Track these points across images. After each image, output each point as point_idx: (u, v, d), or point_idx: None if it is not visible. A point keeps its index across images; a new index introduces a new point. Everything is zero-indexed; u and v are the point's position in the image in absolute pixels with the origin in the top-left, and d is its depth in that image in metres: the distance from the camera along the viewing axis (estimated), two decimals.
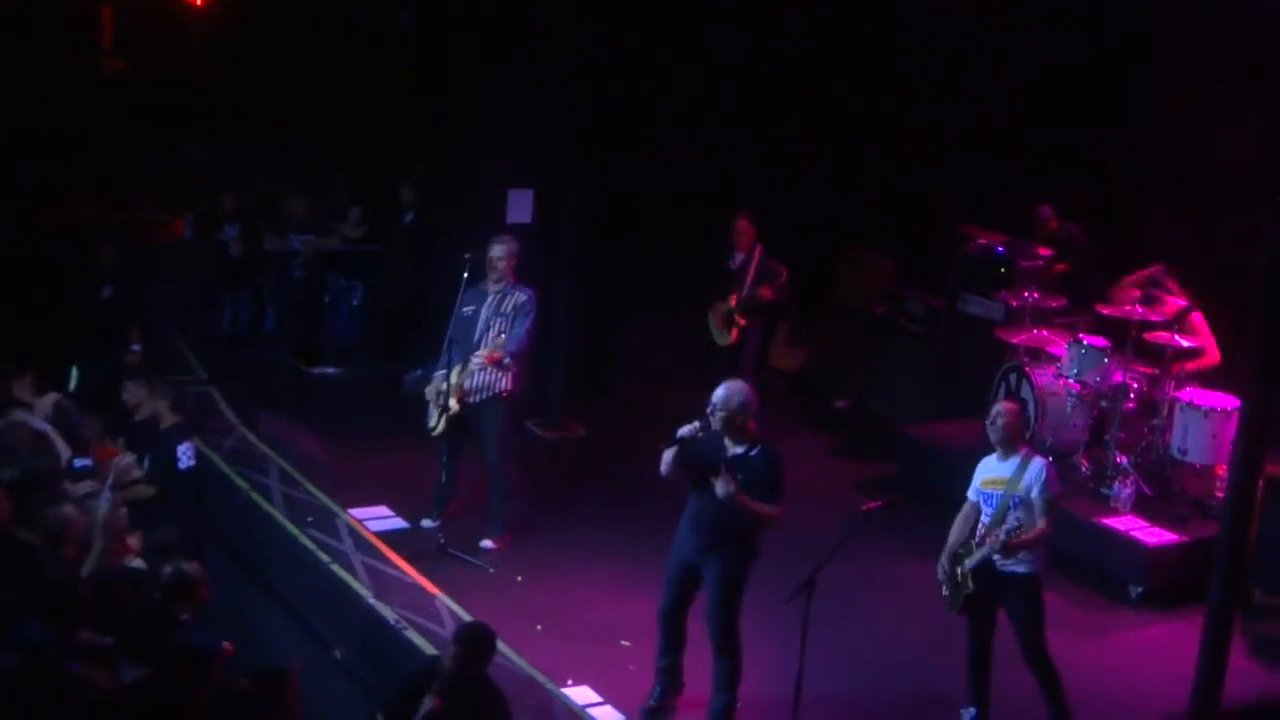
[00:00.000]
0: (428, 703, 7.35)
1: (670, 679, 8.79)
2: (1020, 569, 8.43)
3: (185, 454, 9.63)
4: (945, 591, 8.67)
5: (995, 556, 8.37)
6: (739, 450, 8.31)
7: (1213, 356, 11.62)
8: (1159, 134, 13.62)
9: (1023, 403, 11.71)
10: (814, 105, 15.57)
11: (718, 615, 8.46)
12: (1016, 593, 8.50)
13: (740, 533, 8.37)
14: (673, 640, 8.74)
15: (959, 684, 8.91)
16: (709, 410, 8.29)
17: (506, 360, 10.43)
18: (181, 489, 9.62)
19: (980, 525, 8.57)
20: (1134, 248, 13.06)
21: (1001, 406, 8.73)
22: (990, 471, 8.64)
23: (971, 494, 8.73)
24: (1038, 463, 8.52)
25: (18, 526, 8.25)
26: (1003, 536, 8.30)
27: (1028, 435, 11.62)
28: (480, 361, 10.46)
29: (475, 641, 7.55)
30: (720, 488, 8.06)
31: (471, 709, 7.43)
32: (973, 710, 8.74)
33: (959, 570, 8.54)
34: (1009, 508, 8.44)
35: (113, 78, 15.41)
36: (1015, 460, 8.53)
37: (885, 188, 14.73)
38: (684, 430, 8.27)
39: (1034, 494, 8.42)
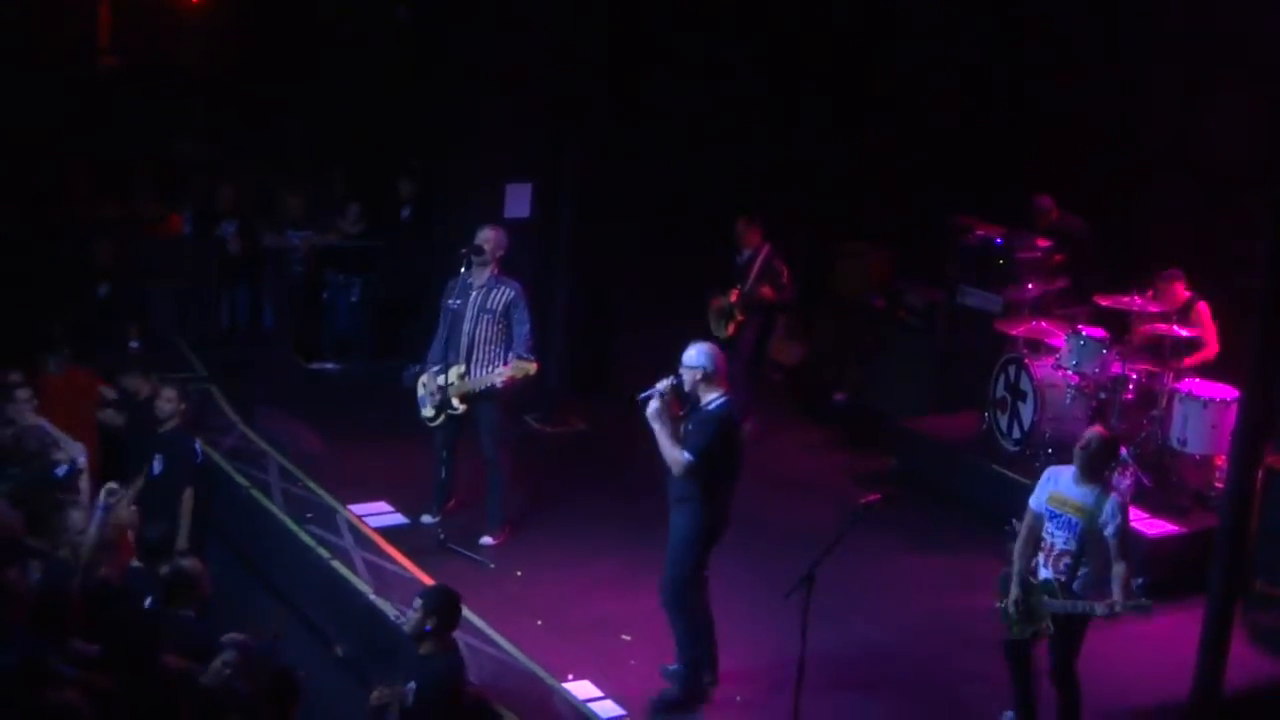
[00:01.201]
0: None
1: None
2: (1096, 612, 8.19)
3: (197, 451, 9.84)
4: (1012, 618, 8.36)
5: (1083, 607, 8.14)
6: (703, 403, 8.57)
7: (1211, 349, 11.63)
8: (1159, 126, 13.61)
9: (1022, 394, 11.73)
10: (812, 97, 15.56)
11: (668, 570, 8.73)
12: (1074, 624, 8.30)
13: (683, 492, 8.54)
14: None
15: (958, 674, 8.92)
16: (680, 369, 8.59)
17: (532, 368, 10.37)
18: (197, 485, 9.76)
19: (1042, 541, 8.30)
20: (1133, 240, 13.08)
21: (1094, 430, 8.44)
22: (1064, 489, 8.31)
23: (1037, 505, 8.41)
24: (1114, 500, 8.22)
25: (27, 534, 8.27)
26: (1119, 609, 8.00)
27: (1023, 432, 11.67)
28: (505, 374, 10.39)
29: (441, 602, 7.69)
30: (650, 405, 8.45)
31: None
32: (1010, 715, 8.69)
33: (1034, 604, 8.26)
34: (1087, 539, 8.18)
35: (110, 74, 15.38)
36: (1095, 489, 8.23)
37: (883, 180, 14.73)
38: (661, 385, 8.55)
39: (1108, 531, 8.14)
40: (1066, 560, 8.21)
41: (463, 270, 10.58)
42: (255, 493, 10.97)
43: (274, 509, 10.76)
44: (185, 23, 15.72)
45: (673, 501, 8.69)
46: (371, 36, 15.65)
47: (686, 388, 8.58)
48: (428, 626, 7.59)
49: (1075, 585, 8.22)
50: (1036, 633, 8.33)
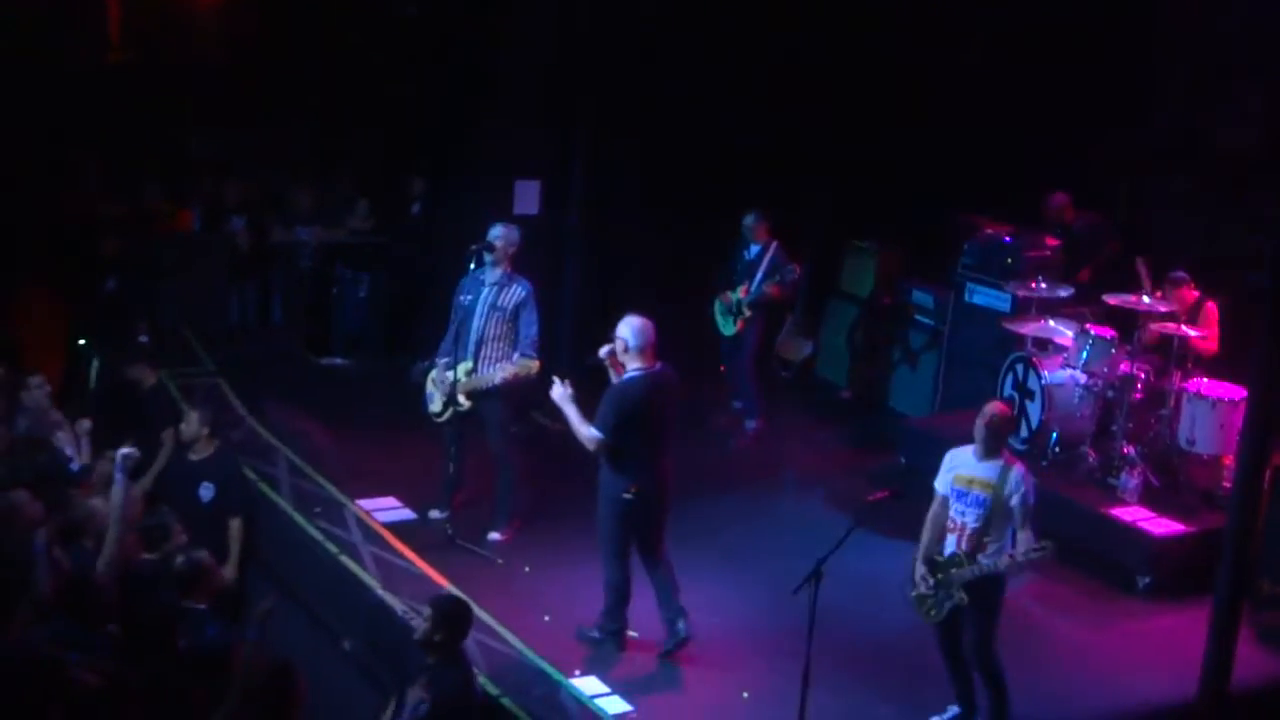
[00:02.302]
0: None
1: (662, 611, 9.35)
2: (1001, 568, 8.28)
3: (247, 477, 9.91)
4: (924, 600, 8.46)
5: (988, 565, 8.23)
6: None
7: (1211, 345, 11.61)
8: (1165, 123, 13.60)
9: (1030, 393, 11.73)
10: (820, 95, 15.54)
11: (598, 527, 9.18)
12: (985, 593, 8.34)
13: (612, 464, 8.97)
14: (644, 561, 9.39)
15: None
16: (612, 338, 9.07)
17: (535, 367, 10.38)
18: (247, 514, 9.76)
19: (951, 523, 8.41)
20: (1139, 237, 13.07)
21: (995, 407, 8.54)
22: (967, 469, 8.42)
23: (942, 487, 8.52)
24: (1018, 470, 8.32)
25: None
26: (1020, 559, 8.15)
27: (1031, 431, 11.67)
28: (509, 371, 10.41)
29: (452, 614, 7.64)
30: (554, 390, 9.03)
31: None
32: (955, 709, 8.72)
33: (942, 580, 8.35)
34: (996, 513, 8.27)
35: (120, 70, 15.40)
36: (997, 464, 8.34)
37: (892, 177, 14.72)
38: (602, 351, 9.10)
39: (1014, 502, 8.25)
40: (976, 538, 8.30)
41: (473, 266, 10.59)
42: (264, 486, 10.98)
43: (282, 503, 10.78)
44: (195, 18, 15.73)
45: (599, 466, 9.10)
46: (381, 32, 15.66)
47: (619, 356, 9.01)
48: (436, 637, 7.52)
49: (982, 559, 8.27)
50: (955, 608, 8.36)
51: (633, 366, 9.01)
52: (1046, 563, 8.41)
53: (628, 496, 8.95)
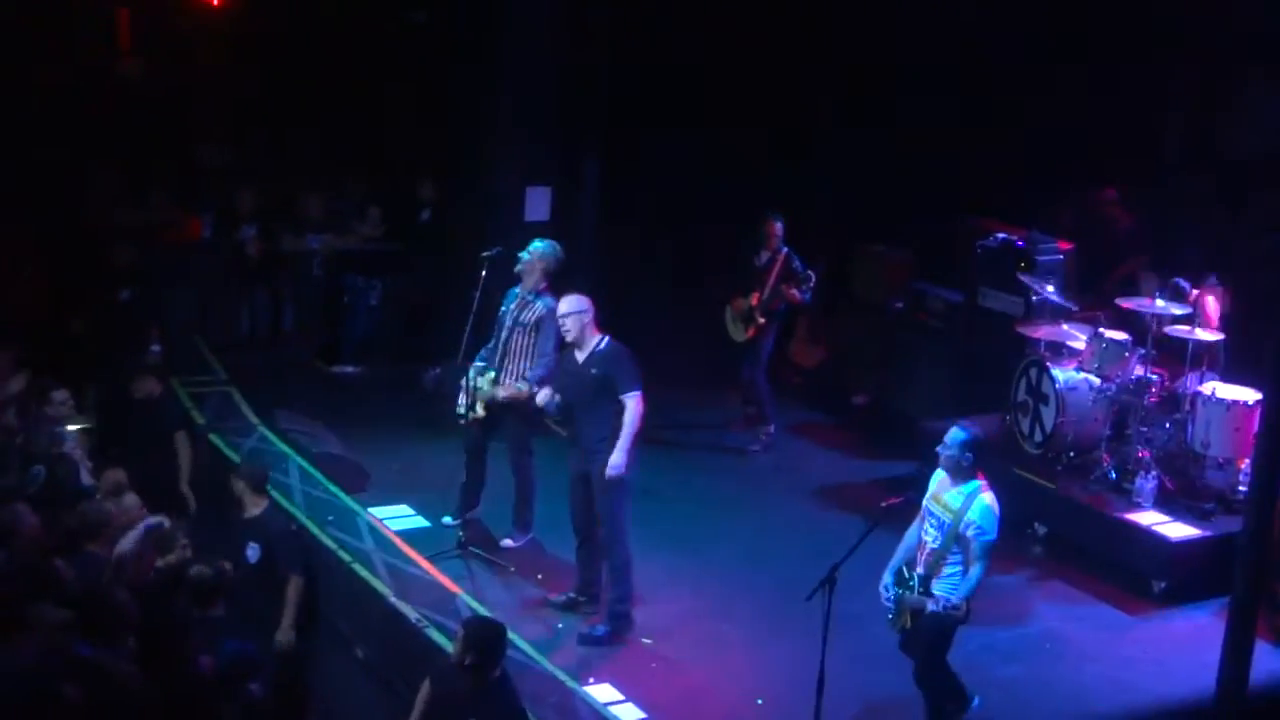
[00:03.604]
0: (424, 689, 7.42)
1: (584, 575, 9.79)
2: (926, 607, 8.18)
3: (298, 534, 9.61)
4: (891, 609, 8.45)
5: (913, 601, 8.20)
6: (589, 350, 9.44)
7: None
8: (1177, 123, 13.57)
9: (1044, 397, 11.69)
10: (829, 100, 15.54)
11: (603, 511, 9.45)
12: (928, 625, 8.26)
13: (609, 435, 9.28)
14: (585, 536, 9.77)
15: (981, 680, 8.89)
16: (560, 323, 9.53)
17: (532, 390, 10.29)
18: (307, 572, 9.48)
19: (920, 541, 8.34)
20: (1153, 236, 13.05)
21: (955, 431, 8.33)
22: (940, 488, 8.35)
23: (925, 502, 8.44)
24: (984, 502, 8.19)
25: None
26: (958, 603, 7.98)
27: (1046, 435, 11.62)
28: (510, 391, 10.43)
29: (483, 639, 7.53)
30: (541, 397, 9.47)
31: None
32: (977, 699, 8.67)
33: (903, 604, 8.31)
34: (953, 540, 8.18)
35: (130, 78, 15.41)
36: (967, 490, 8.23)
37: (903, 182, 14.70)
38: (542, 399, 9.63)
39: (969, 534, 8.13)
40: (934, 559, 8.25)
41: (484, 274, 10.55)
42: (276, 495, 10.95)
43: (295, 511, 10.76)
44: (205, 26, 15.74)
45: (593, 450, 9.43)
46: (390, 39, 15.67)
47: (569, 337, 9.56)
48: (466, 659, 7.42)
49: (937, 582, 8.21)
50: (904, 628, 8.36)
51: (598, 333, 9.48)
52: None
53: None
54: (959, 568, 8.21)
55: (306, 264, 14.89)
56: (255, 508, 9.37)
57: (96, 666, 6.86)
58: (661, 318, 14.37)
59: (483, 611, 9.49)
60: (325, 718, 8.63)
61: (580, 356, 9.52)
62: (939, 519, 8.27)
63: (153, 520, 8.39)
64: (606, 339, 9.50)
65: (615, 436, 9.30)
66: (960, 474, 8.25)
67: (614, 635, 9.49)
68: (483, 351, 10.68)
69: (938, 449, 8.33)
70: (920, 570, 8.30)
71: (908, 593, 8.28)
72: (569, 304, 9.56)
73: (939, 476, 8.42)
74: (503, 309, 10.63)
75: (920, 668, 8.42)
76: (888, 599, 8.42)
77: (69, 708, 6.68)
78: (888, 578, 8.44)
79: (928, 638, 8.33)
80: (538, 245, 10.58)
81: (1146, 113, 13.71)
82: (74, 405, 10.34)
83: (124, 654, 7.25)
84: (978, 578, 8.13)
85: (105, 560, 8.22)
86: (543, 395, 9.58)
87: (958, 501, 8.22)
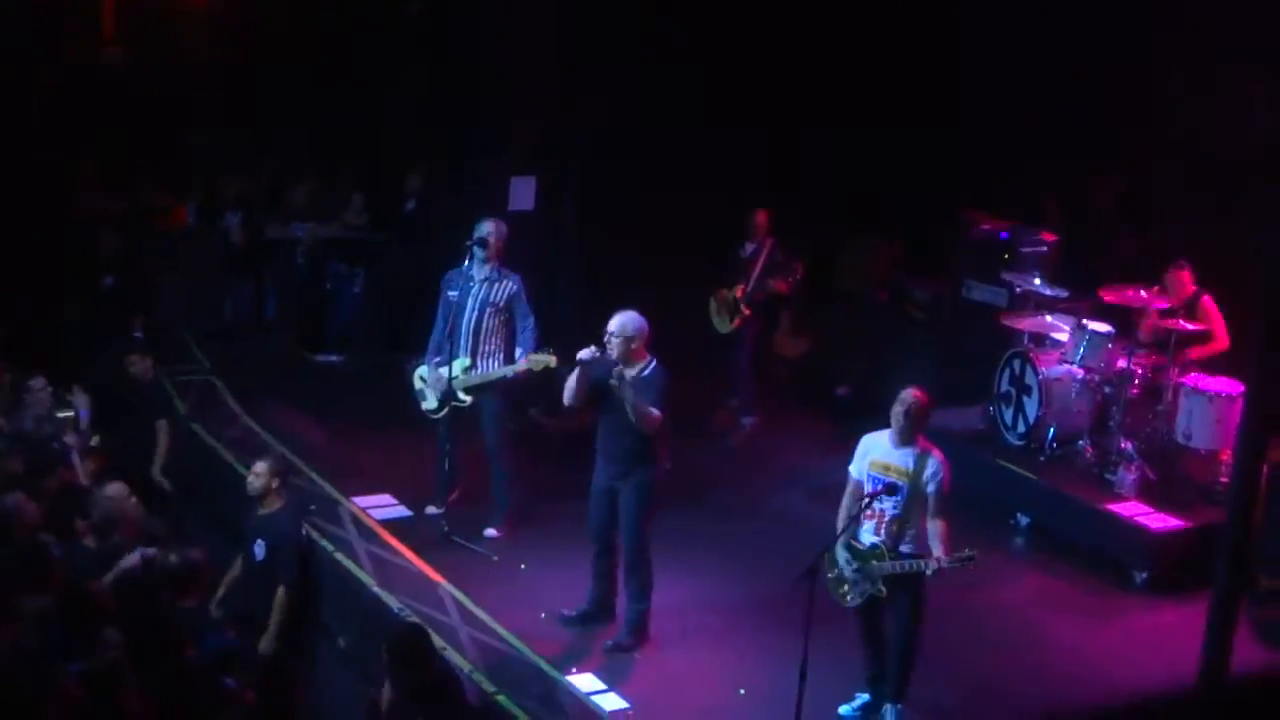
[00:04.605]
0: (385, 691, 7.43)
1: (601, 588, 9.50)
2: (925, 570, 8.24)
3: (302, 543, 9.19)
4: (840, 583, 8.46)
5: (909, 565, 8.24)
6: (633, 372, 8.97)
7: (1221, 343, 11.57)
8: (1170, 119, 13.57)
9: (1027, 389, 11.71)
10: (817, 92, 15.53)
11: (631, 528, 9.17)
12: (906, 583, 8.35)
13: (642, 449, 9.05)
14: (603, 548, 9.44)
15: (961, 668, 8.90)
16: (605, 338, 9.00)
17: (552, 360, 10.21)
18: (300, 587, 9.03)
19: (870, 510, 8.36)
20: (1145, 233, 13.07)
21: (912, 394, 8.46)
22: (883, 455, 8.41)
23: (856, 472, 8.52)
24: (936, 457, 8.33)
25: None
26: (945, 565, 8.09)
27: (1029, 426, 11.65)
28: (521, 367, 10.40)
29: (404, 647, 7.51)
30: (614, 379, 8.87)
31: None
32: (865, 697, 8.74)
33: (861, 569, 8.35)
34: (915, 501, 8.27)
35: (114, 65, 15.35)
36: (913, 450, 8.34)
37: (888, 173, 14.70)
38: (583, 353, 8.97)
39: (930, 489, 8.25)
40: (896, 525, 8.30)
41: (466, 262, 10.56)
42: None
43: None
44: (190, 13, 15.68)
45: (626, 463, 9.14)
46: (378, 29, 15.62)
47: (613, 354, 8.99)
48: (399, 673, 7.45)
49: (903, 546, 8.30)
50: (873, 596, 8.39)
51: (646, 356, 9.10)
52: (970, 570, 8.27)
53: (667, 468, 9.17)
54: (916, 527, 8.30)
55: (290, 252, 14.85)
56: (273, 505, 8.93)
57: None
58: (644, 307, 14.37)
59: (466, 602, 9.50)
60: (309, 708, 8.59)
61: (628, 373, 9.02)
62: (895, 484, 8.32)
63: (148, 551, 8.33)
64: (654, 363, 9.12)
65: (644, 450, 9.10)
66: (911, 435, 8.37)
67: (638, 644, 9.34)
68: (433, 345, 10.64)
69: (896, 410, 8.40)
70: (881, 538, 8.34)
71: (879, 561, 8.30)
72: (619, 324, 9.05)
73: (873, 442, 8.49)
74: (451, 294, 10.55)
75: (905, 631, 8.46)
76: (851, 572, 8.40)
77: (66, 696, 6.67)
78: (845, 553, 8.44)
79: (906, 600, 8.40)
80: (490, 225, 10.57)
81: (1135, 106, 13.70)
82: (53, 393, 10.27)
83: (111, 645, 7.23)
84: (942, 529, 8.22)
85: (95, 554, 8.20)
86: (585, 352, 9.01)
87: (908, 463, 8.31)
